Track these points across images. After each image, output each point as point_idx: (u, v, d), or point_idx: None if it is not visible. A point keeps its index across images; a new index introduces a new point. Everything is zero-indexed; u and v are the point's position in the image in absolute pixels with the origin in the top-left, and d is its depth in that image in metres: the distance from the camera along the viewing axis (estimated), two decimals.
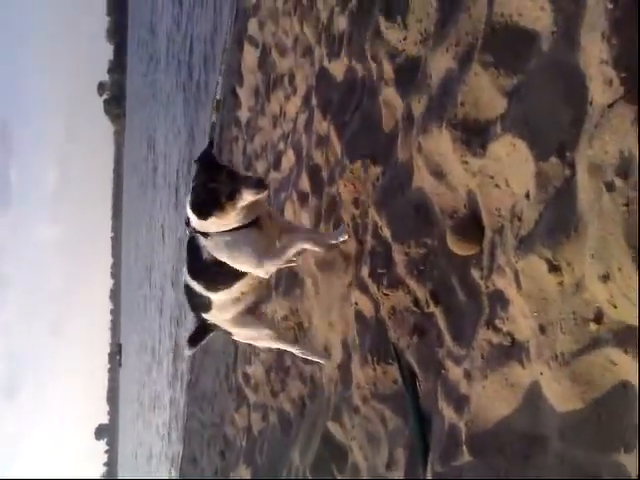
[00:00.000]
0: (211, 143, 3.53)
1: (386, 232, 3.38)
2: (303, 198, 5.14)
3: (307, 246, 3.67)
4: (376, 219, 3.54)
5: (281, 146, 6.44)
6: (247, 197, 3.24)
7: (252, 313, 3.95)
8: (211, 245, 3.43)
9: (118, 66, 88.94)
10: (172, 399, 15.57)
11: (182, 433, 13.27)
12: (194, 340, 4.23)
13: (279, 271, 6.03)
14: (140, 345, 28.59)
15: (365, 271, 3.60)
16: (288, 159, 5.98)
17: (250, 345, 7.28)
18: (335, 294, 4.40)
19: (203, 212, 3.24)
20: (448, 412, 2.75)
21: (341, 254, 4.30)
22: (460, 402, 2.67)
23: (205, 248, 3.46)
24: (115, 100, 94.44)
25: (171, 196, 16.90)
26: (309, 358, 4.52)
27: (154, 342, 21.66)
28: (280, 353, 5.94)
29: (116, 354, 55.31)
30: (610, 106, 1.70)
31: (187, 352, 4.45)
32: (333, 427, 4.12)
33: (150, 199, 24.98)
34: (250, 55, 8.15)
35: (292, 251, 3.62)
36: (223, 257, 3.47)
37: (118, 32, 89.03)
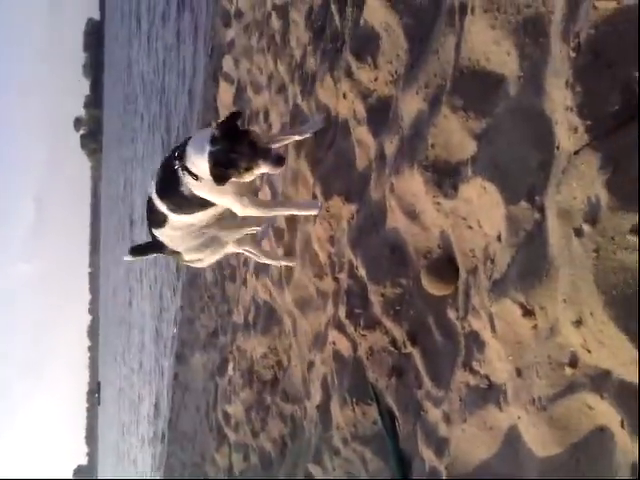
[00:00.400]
0: (239, 113, 3.63)
1: (362, 272, 3.37)
2: (279, 235, 5.14)
3: (286, 213, 4.36)
4: (351, 258, 3.53)
5: (257, 182, 6.44)
6: (264, 169, 3.45)
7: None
8: (196, 184, 3.59)
9: (95, 101, 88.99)
10: (153, 439, 15.28)
11: (163, 473, 13.02)
12: (136, 251, 4.54)
13: (257, 307, 6.01)
14: (119, 385, 28.09)
15: (342, 311, 3.58)
16: (264, 195, 5.97)
17: (230, 383, 7.24)
18: (313, 333, 4.37)
19: (222, 179, 3.41)
20: (428, 454, 2.72)
21: (318, 292, 4.28)
22: (440, 445, 2.64)
23: (186, 184, 3.60)
24: (92, 135, 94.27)
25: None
26: (272, 263, 4.85)
27: (133, 386, 21.27)
28: (260, 392, 5.88)
29: (95, 392, 54.27)
30: (576, 153, 1.71)
31: (125, 257, 4.60)
32: (314, 469, 4.06)
33: (128, 239, 24.69)
34: (225, 91, 8.18)
35: (274, 212, 4.23)
36: (203, 194, 3.66)
37: (94, 68, 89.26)
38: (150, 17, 19.19)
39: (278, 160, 3.42)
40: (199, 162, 3.45)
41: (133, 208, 22.83)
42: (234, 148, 3.35)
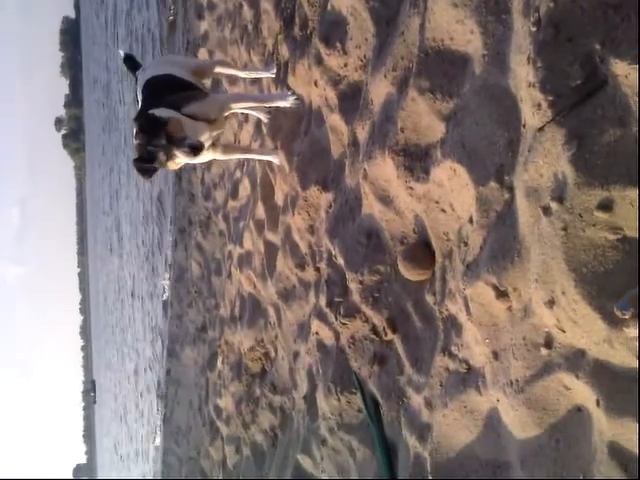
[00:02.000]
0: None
1: (340, 260, 3.34)
2: (260, 226, 5.10)
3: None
4: (330, 247, 3.50)
5: (238, 174, 6.39)
6: (181, 157, 3.52)
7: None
8: None
9: (74, 100, 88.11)
10: (148, 434, 15.26)
11: (160, 468, 13.01)
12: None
13: (242, 300, 5.97)
14: (114, 384, 27.98)
15: (323, 300, 3.55)
16: (244, 187, 5.93)
17: (219, 376, 7.22)
18: (297, 323, 4.34)
19: (145, 173, 3.55)
20: (412, 441, 2.70)
21: (301, 283, 4.25)
22: (423, 431, 2.62)
23: None
24: (73, 134, 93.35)
25: (140, 253, 16.36)
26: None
27: (127, 384, 21.17)
28: (249, 384, 5.86)
29: (90, 391, 54.15)
30: (540, 130, 1.67)
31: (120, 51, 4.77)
32: (303, 459, 4.05)
33: (116, 237, 24.35)
34: None
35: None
36: None
37: (72, 67, 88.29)
38: (123, 12, 18.83)
39: (191, 148, 3.47)
40: None
41: (119, 212, 22.57)
42: (151, 141, 3.43)
